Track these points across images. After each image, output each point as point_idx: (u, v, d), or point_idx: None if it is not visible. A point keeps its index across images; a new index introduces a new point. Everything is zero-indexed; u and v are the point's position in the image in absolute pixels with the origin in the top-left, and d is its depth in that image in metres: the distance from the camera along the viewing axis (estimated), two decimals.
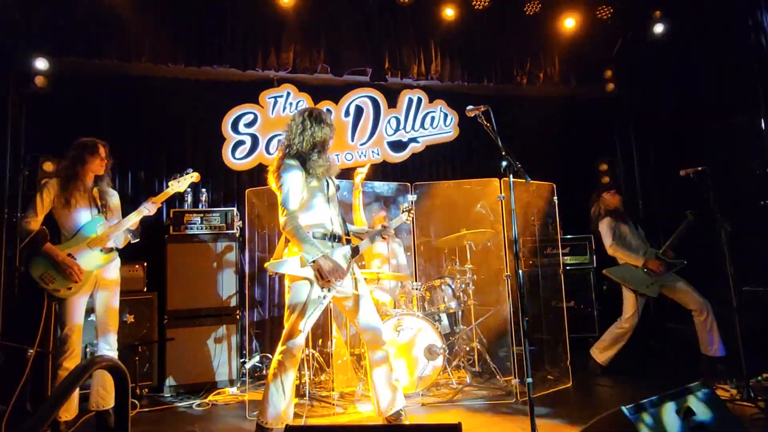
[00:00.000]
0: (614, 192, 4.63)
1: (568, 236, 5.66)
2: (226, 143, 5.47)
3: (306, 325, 2.71)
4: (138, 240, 3.49)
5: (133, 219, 3.29)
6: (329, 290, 2.75)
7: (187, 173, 3.53)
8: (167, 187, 3.48)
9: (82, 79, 5.13)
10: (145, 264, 4.52)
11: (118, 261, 3.41)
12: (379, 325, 2.95)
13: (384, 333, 2.97)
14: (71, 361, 3.09)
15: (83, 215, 3.24)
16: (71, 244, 3.16)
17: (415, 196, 4.16)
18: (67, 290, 3.09)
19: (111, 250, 3.30)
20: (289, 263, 2.75)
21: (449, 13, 5.58)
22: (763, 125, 4.91)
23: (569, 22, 5.85)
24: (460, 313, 4.33)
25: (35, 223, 3.14)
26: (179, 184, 3.48)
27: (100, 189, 3.37)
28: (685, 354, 4.63)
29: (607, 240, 4.46)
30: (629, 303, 4.33)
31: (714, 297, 4.24)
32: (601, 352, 4.41)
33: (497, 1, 5.67)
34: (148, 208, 3.31)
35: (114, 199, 3.48)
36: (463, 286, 4.27)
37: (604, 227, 4.50)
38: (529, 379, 2.45)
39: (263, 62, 5.28)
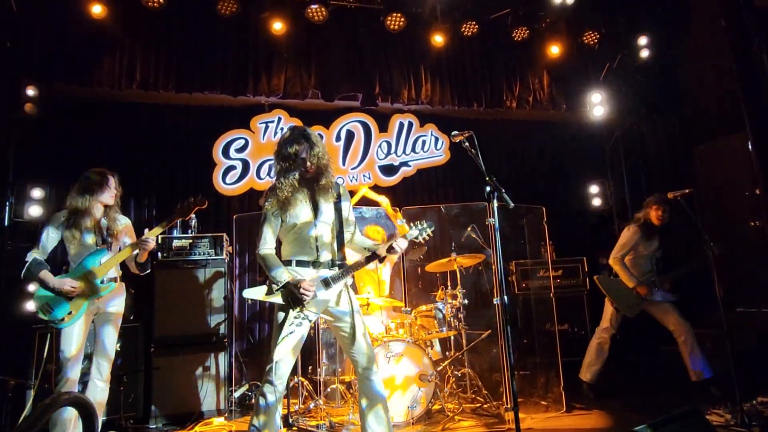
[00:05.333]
0: (663, 210, 4.35)
1: (561, 259, 5.63)
2: (217, 168, 5.48)
3: (282, 353, 2.64)
4: (148, 272, 3.48)
5: (124, 255, 3.25)
6: (304, 317, 2.68)
7: (193, 199, 3.38)
8: (173, 213, 3.35)
9: (72, 105, 5.15)
10: (133, 291, 4.46)
11: (120, 291, 3.37)
12: (371, 352, 2.85)
13: (376, 360, 2.89)
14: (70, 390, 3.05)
15: (88, 248, 3.25)
16: (72, 276, 3.17)
17: (404, 220, 4.16)
18: (62, 320, 3.08)
19: (112, 280, 3.28)
20: (261, 290, 2.74)
21: (438, 39, 5.67)
22: (749, 146, 4.95)
23: (556, 48, 5.94)
24: (451, 338, 4.28)
25: (37, 255, 3.16)
26: (185, 212, 3.35)
27: (109, 219, 3.36)
28: (678, 378, 4.57)
29: (615, 250, 4.43)
30: (607, 315, 4.40)
31: (706, 319, 4.21)
32: (587, 369, 4.44)
33: (485, 27, 5.79)
34: (144, 246, 3.24)
35: (126, 227, 3.45)
36: (454, 310, 4.22)
37: (626, 235, 4.41)
38: (516, 408, 2.39)
39: (254, 88, 5.32)
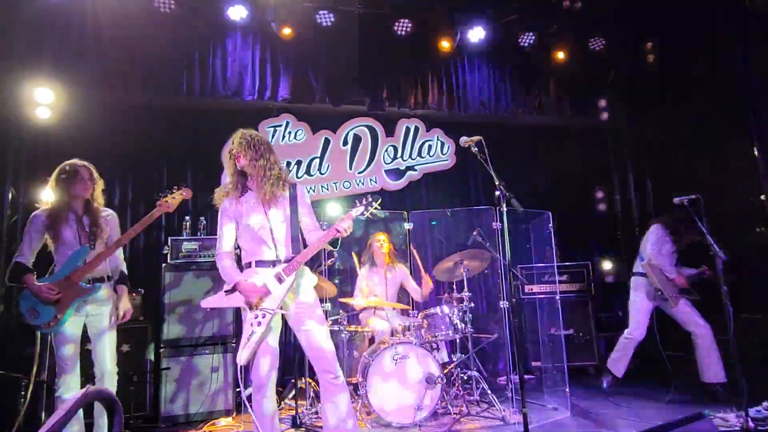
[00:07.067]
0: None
1: (567, 263, 5.66)
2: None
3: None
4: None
5: (112, 252, 3.18)
6: (261, 315, 2.68)
7: (177, 188, 3.28)
8: (155, 207, 3.24)
9: (84, 108, 5.20)
10: (143, 292, 4.52)
11: (109, 290, 3.25)
12: (328, 355, 2.80)
13: (331, 366, 2.80)
14: (69, 393, 3.01)
15: (70, 247, 3.11)
16: (57, 277, 3.05)
17: (411, 224, 4.22)
18: (48, 326, 2.99)
19: (98, 280, 3.16)
20: (218, 296, 2.79)
21: (445, 45, 5.72)
22: (755, 153, 4.98)
23: (563, 53, 5.99)
24: (457, 340, 4.31)
25: (22, 258, 3.06)
26: (168, 204, 3.24)
27: (90, 214, 3.21)
28: (686, 382, 4.59)
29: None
30: (636, 315, 4.45)
31: (712, 325, 4.23)
32: (614, 364, 4.53)
33: (492, 33, 5.82)
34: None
35: (109, 220, 3.32)
36: (461, 313, 4.25)
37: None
38: (525, 410, 2.43)
39: (262, 92, 5.38)
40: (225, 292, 2.74)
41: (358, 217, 2.82)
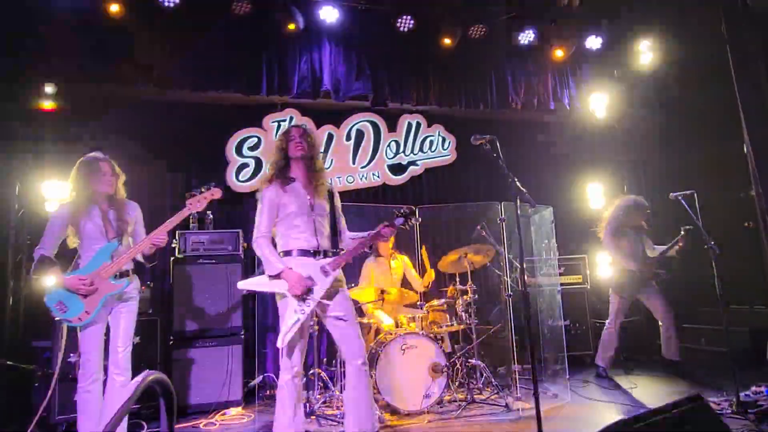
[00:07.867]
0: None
1: (564, 256, 5.81)
2: (231, 166, 5.59)
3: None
4: (155, 263, 3.41)
5: (138, 251, 3.17)
6: (306, 303, 2.77)
7: (206, 188, 3.24)
8: (184, 206, 3.21)
9: (90, 102, 5.22)
10: (152, 285, 4.58)
11: (135, 283, 3.29)
12: (357, 344, 2.91)
13: (362, 352, 2.91)
14: (93, 385, 3.07)
15: (95, 242, 3.12)
16: (86, 271, 3.06)
17: (420, 218, 4.32)
18: (78, 319, 3.01)
19: (125, 274, 3.17)
20: (257, 280, 2.89)
21: (447, 41, 5.81)
22: (745, 150, 5.15)
23: (561, 51, 6.11)
24: (459, 331, 4.44)
25: (46, 251, 3.07)
26: (198, 204, 3.20)
27: (115, 208, 3.21)
28: (676, 369, 4.79)
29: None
30: (612, 308, 4.87)
31: (704, 315, 4.43)
32: (601, 357, 4.92)
33: (492, 29, 5.92)
34: (156, 243, 3.14)
35: (133, 213, 3.33)
36: (465, 305, 4.39)
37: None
38: (536, 395, 2.56)
39: (267, 87, 5.43)
40: (269, 277, 2.81)
41: (399, 227, 3.04)
